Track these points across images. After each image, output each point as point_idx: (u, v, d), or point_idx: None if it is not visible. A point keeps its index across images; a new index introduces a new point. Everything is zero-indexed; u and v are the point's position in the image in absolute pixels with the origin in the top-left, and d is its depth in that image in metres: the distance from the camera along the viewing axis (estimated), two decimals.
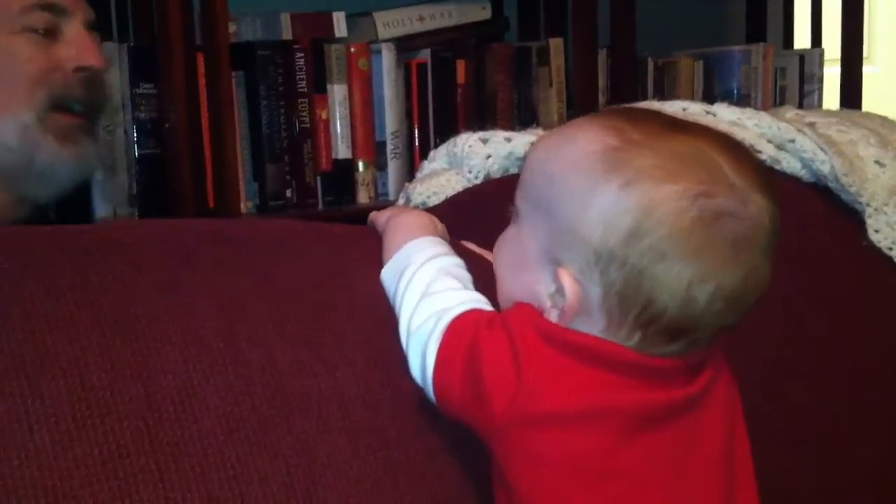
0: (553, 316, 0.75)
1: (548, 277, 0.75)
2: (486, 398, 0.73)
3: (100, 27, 1.78)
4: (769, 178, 0.75)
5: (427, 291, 0.78)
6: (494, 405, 0.73)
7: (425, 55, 2.08)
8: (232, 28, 1.83)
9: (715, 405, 0.77)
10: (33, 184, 1.23)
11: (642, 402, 0.73)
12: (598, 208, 0.72)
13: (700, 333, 0.74)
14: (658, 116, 0.77)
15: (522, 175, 0.80)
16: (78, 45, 1.23)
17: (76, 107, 1.24)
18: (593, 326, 0.74)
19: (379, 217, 0.90)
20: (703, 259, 0.71)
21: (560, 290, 0.74)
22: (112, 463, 0.68)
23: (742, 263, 0.72)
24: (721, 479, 0.77)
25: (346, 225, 0.95)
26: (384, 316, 0.81)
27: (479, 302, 0.78)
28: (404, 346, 0.79)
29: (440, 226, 0.88)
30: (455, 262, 0.82)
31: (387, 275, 0.83)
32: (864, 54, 2.73)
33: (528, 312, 0.76)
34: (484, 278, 0.82)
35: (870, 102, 2.66)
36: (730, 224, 0.71)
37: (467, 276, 0.81)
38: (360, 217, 1.94)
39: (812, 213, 1.18)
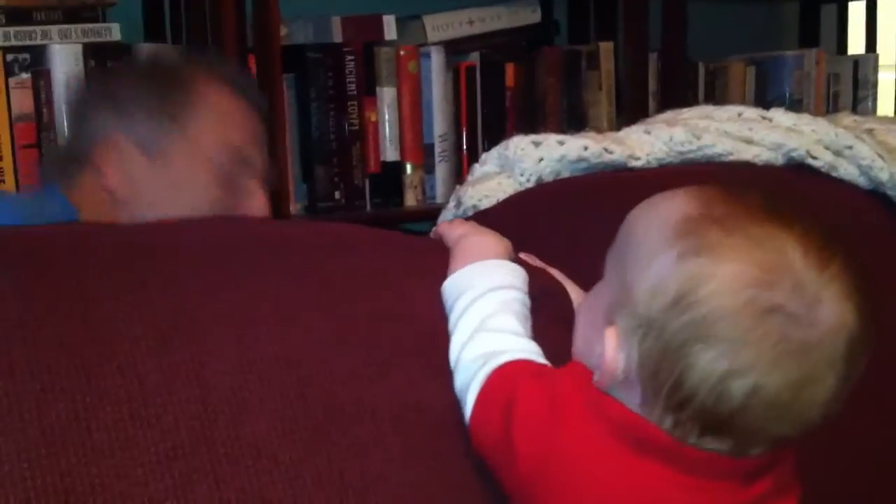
0: (595, 376, 0.73)
1: (600, 336, 0.73)
2: (512, 449, 0.72)
3: (155, 31, 1.82)
4: (859, 290, 0.69)
5: (482, 326, 0.77)
6: (520, 458, 0.72)
7: (474, 58, 2.08)
8: (283, 31, 1.84)
9: None
10: None
11: (678, 494, 0.70)
12: (655, 273, 0.69)
13: (747, 437, 0.69)
14: (757, 197, 0.72)
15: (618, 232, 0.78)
16: (255, 206, 1.28)
17: None
18: (633, 399, 0.71)
19: (450, 231, 0.88)
20: (745, 354, 0.66)
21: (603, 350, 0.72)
22: (167, 463, 0.69)
23: (792, 370, 0.66)
24: None
25: (405, 233, 0.94)
26: (440, 328, 0.81)
27: (532, 353, 0.77)
28: (452, 367, 0.79)
29: (510, 249, 0.86)
30: (518, 298, 0.80)
31: (448, 288, 0.82)
32: None
33: (581, 372, 0.74)
34: (552, 295, 0.81)
35: None
36: (784, 324, 0.66)
37: (526, 315, 0.80)
38: (407, 219, 1.97)
39: (869, 220, 1.16)
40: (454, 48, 2.06)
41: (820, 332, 0.66)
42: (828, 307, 0.67)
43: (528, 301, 0.81)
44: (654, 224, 0.73)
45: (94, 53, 1.66)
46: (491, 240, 0.85)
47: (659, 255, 0.70)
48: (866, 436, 1.03)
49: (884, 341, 1.05)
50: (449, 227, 0.89)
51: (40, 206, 1.27)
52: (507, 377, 0.75)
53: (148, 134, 1.25)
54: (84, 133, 1.30)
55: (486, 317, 0.78)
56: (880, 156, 1.16)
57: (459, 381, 0.77)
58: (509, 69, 2.11)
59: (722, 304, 0.66)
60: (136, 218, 1.18)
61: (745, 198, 0.72)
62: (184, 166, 1.25)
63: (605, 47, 2.22)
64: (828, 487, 0.82)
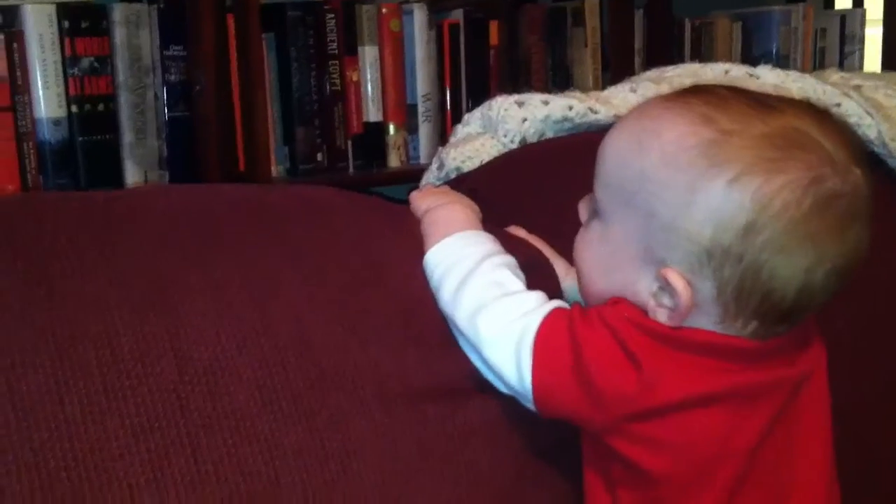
0: (661, 317, 0.73)
1: (649, 276, 0.73)
2: (603, 398, 0.72)
3: None
4: (858, 144, 0.75)
5: (498, 293, 0.76)
6: (615, 405, 0.72)
7: (458, 16, 2.05)
8: None
9: (820, 381, 0.78)
10: None
11: (758, 382, 0.74)
12: (706, 206, 0.70)
13: (812, 310, 0.74)
14: (739, 96, 0.74)
15: (600, 169, 0.77)
16: None
17: None
18: (707, 320, 0.73)
19: (420, 202, 0.86)
20: (820, 244, 0.70)
21: (665, 289, 0.72)
22: (143, 436, 0.67)
23: (850, 239, 0.72)
24: (826, 455, 0.78)
25: (383, 198, 0.92)
26: (420, 294, 0.79)
27: (556, 302, 0.77)
28: (473, 341, 0.77)
29: (479, 216, 0.85)
30: (509, 262, 0.80)
31: (430, 262, 0.80)
32: None
33: (628, 310, 0.74)
34: (536, 268, 0.79)
35: None
36: (839, 204, 0.70)
37: (521, 276, 0.79)
38: (390, 181, 1.95)
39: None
40: (437, 6, 2.03)
41: (856, 195, 0.71)
42: (854, 171, 0.71)
43: (515, 262, 0.80)
44: (666, 156, 0.72)
45: (68, 14, 1.64)
46: (460, 210, 0.84)
47: (702, 187, 0.70)
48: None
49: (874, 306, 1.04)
50: (418, 198, 0.87)
51: None
52: (556, 329, 0.74)
53: None
54: None
55: (492, 284, 0.77)
56: (868, 113, 1.14)
57: (497, 352, 0.75)
58: (493, 27, 2.09)
59: (793, 214, 0.69)
60: None
61: (729, 101, 0.73)
62: None
63: (590, 3, 2.20)
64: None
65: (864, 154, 0.74)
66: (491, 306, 0.76)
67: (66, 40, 1.65)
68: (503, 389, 0.77)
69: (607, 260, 0.76)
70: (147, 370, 0.69)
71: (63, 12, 1.63)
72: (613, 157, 0.76)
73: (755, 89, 1.13)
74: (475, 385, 0.79)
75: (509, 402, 0.78)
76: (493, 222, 0.86)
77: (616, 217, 0.75)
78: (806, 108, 0.74)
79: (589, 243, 0.79)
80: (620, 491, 0.76)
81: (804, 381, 0.76)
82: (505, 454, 0.80)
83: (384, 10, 1.95)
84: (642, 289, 0.74)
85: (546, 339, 0.74)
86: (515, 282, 0.78)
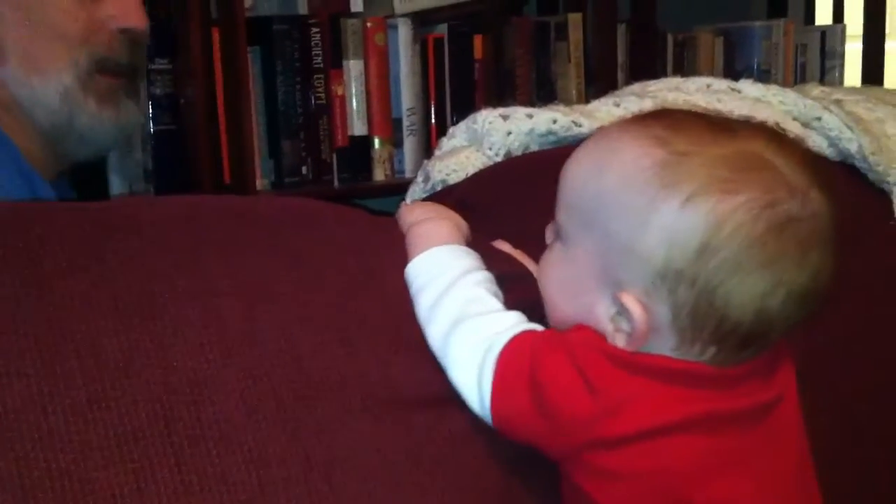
0: (619, 341, 0.72)
1: (607, 300, 0.73)
2: (560, 426, 0.72)
3: None
4: (820, 168, 0.74)
5: (467, 313, 0.76)
6: (571, 432, 0.72)
7: (442, 30, 2.06)
8: (248, 3, 1.82)
9: (790, 405, 0.77)
10: (73, 144, 1.18)
11: (723, 409, 0.72)
12: (660, 227, 0.69)
13: (772, 337, 0.73)
14: (698, 119, 0.75)
15: (562, 191, 0.77)
16: (122, 5, 1.17)
17: (118, 69, 1.18)
18: (664, 345, 0.72)
19: (407, 215, 0.86)
20: (776, 268, 0.70)
21: (623, 313, 0.72)
22: (127, 447, 0.67)
23: (810, 264, 0.71)
24: (800, 481, 0.77)
25: (369, 211, 0.93)
26: (407, 302, 0.79)
27: (527, 323, 0.76)
28: (440, 359, 0.77)
29: (466, 231, 0.84)
30: (488, 277, 0.79)
31: (411, 274, 0.80)
32: (886, 30, 2.69)
33: (591, 337, 0.73)
34: (520, 282, 0.80)
35: (893, 78, 2.62)
36: (796, 228, 0.70)
37: (498, 293, 0.79)
38: (375, 194, 1.95)
39: (838, 191, 1.15)
40: (422, 19, 2.04)
41: (816, 220, 0.71)
42: (813, 196, 0.71)
43: (493, 279, 0.80)
44: (621, 177, 0.72)
45: None
46: (445, 225, 0.83)
47: (655, 208, 0.70)
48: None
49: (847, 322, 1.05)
50: (406, 211, 0.87)
51: None
52: (520, 353, 0.73)
53: None
54: None
55: (468, 301, 0.77)
56: (849, 127, 1.15)
57: (461, 373, 0.75)
58: (477, 41, 2.10)
59: (747, 235, 0.69)
60: (11, 77, 1.11)
61: (683, 123, 0.74)
62: None
63: (574, 18, 2.21)
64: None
65: (826, 181, 0.73)
66: (463, 325, 0.76)
67: None
68: (475, 409, 0.77)
69: (569, 283, 0.76)
70: (132, 380, 0.69)
71: None
72: (573, 178, 0.76)
73: (737, 103, 1.15)
74: None
75: None
76: (478, 235, 0.87)
77: (577, 239, 0.75)
78: (764, 132, 0.74)
79: (552, 265, 0.79)
80: None
81: (774, 406, 0.75)
82: (493, 462, 0.79)
83: (369, 24, 1.96)
84: (601, 312, 0.73)
85: (507, 361, 0.73)
86: (492, 300, 0.77)
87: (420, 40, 2.03)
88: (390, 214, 0.89)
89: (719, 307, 0.70)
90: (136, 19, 1.19)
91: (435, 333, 0.77)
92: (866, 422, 1.07)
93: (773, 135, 0.74)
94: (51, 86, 1.14)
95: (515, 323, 0.76)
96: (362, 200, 1.83)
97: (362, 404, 0.76)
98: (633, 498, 0.72)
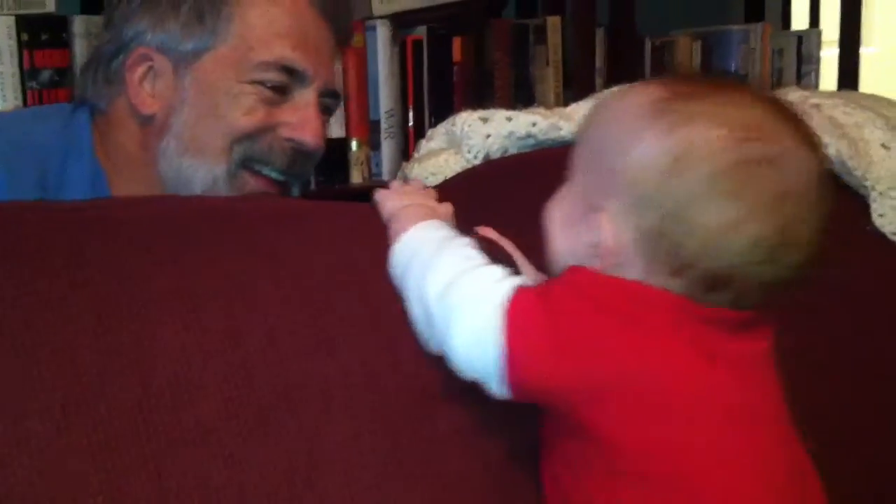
0: (595, 264, 0.73)
1: (588, 226, 0.74)
2: (582, 358, 0.70)
3: (91, 3, 1.77)
4: (817, 138, 0.74)
5: (472, 265, 0.76)
6: (593, 364, 0.70)
7: (421, 32, 2.05)
8: None
9: (770, 369, 0.76)
10: None
11: (713, 340, 0.72)
12: (640, 150, 0.71)
13: (743, 285, 0.71)
14: (701, 76, 0.80)
15: (579, 131, 0.81)
16: (300, 117, 1.15)
17: (273, 174, 1.15)
18: (634, 274, 0.72)
19: (385, 203, 0.86)
20: (740, 204, 0.69)
21: (599, 236, 0.73)
22: (104, 454, 0.66)
23: (781, 214, 0.70)
24: (786, 432, 0.76)
25: (351, 203, 0.91)
26: (391, 299, 0.79)
27: (514, 278, 0.75)
28: (433, 328, 0.75)
29: (447, 211, 0.85)
30: (469, 243, 0.79)
31: (395, 257, 0.80)
32: (862, 35, 2.71)
33: (588, 270, 0.74)
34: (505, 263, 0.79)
35: (868, 83, 2.65)
36: (774, 173, 0.70)
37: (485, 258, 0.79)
38: (352, 197, 1.94)
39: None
40: (400, 21, 2.03)
41: (802, 177, 0.71)
42: (803, 154, 0.71)
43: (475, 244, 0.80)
44: (624, 112, 0.75)
45: (28, 25, 1.62)
46: (422, 208, 0.84)
47: (642, 134, 0.72)
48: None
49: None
50: (383, 198, 0.86)
51: (35, 132, 1.15)
52: (526, 298, 0.72)
53: (179, 44, 1.11)
54: (115, 47, 1.15)
55: (464, 257, 0.77)
56: (826, 132, 1.16)
57: (468, 324, 0.72)
58: (456, 43, 2.09)
59: (715, 163, 0.69)
60: (165, 150, 1.11)
61: (693, 78, 0.78)
62: (218, 80, 1.11)
63: (553, 21, 2.21)
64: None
65: (822, 150, 0.74)
66: (462, 277, 0.75)
67: (25, 52, 1.63)
68: (468, 374, 0.74)
69: (565, 217, 0.78)
70: (109, 384, 0.68)
71: (23, 23, 1.61)
72: (585, 122, 0.80)
73: None
74: (446, 392, 0.79)
75: (481, 409, 0.78)
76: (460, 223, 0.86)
77: (578, 171, 0.78)
78: (766, 93, 0.76)
79: (555, 203, 0.80)
80: (585, 481, 0.74)
81: (760, 366, 0.75)
82: (477, 461, 0.79)
83: None
84: (584, 241, 0.74)
85: (519, 305, 0.72)
86: (483, 256, 0.78)
87: (399, 42, 2.03)
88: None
89: (680, 233, 0.70)
90: (308, 135, 1.16)
91: (432, 293, 0.75)
92: (857, 425, 1.07)
93: (774, 98, 0.75)
94: (200, 171, 1.12)
95: (505, 276, 0.75)
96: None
97: (344, 405, 0.75)
98: (647, 436, 0.71)
